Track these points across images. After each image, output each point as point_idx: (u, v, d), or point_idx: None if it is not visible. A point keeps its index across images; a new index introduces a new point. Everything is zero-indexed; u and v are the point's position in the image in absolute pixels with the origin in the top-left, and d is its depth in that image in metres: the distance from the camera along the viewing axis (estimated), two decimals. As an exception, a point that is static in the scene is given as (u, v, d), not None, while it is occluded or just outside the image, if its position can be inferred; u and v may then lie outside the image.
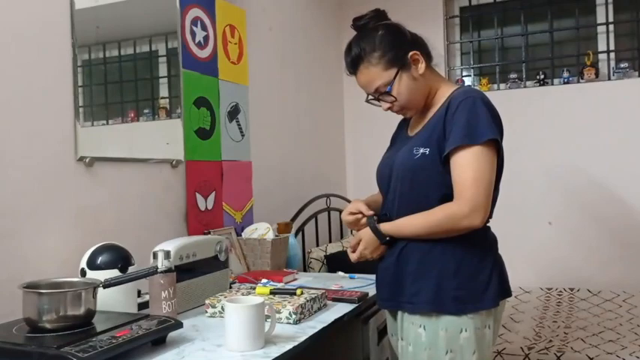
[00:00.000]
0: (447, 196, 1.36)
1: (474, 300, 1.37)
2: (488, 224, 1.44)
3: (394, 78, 1.42)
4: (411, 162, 1.41)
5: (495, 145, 1.36)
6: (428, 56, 1.49)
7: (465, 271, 1.37)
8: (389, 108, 1.49)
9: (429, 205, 1.38)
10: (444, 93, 1.46)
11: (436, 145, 1.38)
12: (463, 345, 1.36)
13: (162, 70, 2.13)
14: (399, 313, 1.47)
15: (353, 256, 1.51)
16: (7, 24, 1.52)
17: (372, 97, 1.50)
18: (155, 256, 1.51)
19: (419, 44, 1.48)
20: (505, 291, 1.44)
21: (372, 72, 1.44)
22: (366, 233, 1.46)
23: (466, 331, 1.35)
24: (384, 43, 1.42)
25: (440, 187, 1.38)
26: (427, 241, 1.39)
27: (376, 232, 1.44)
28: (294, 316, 1.50)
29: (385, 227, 1.44)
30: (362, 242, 1.47)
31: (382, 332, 1.94)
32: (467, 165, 1.32)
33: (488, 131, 1.33)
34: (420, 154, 1.39)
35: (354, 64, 1.46)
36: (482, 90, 3.48)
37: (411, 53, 1.43)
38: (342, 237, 3.35)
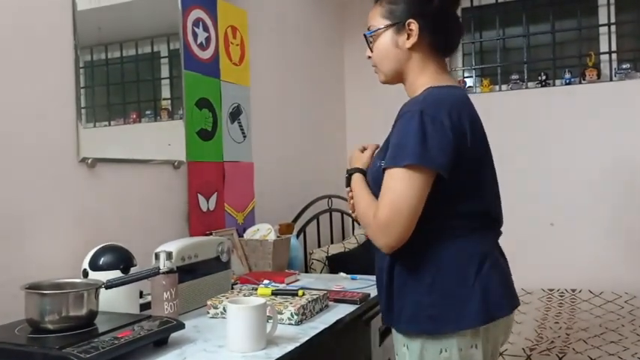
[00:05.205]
0: None
1: (452, 319, 1.24)
2: (474, 235, 1.30)
3: (380, 28, 1.36)
4: (374, 174, 1.35)
5: (427, 168, 1.21)
6: (435, 43, 1.35)
7: (440, 288, 1.26)
8: (369, 57, 1.43)
9: None
10: (417, 91, 1.35)
11: None
12: None
13: (164, 71, 2.14)
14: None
15: None
16: (9, 25, 1.52)
17: None
18: (157, 257, 1.51)
19: (435, 24, 1.34)
20: (494, 309, 1.26)
21: (375, 11, 1.39)
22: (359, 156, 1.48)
23: (446, 351, 1.25)
24: None
25: None
26: (411, 256, 1.30)
27: (350, 177, 1.45)
28: (295, 317, 1.50)
29: (355, 179, 1.42)
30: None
31: (384, 333, 1.94)
32: (387, 187, 1.24)
33: (412, 155, 1.20)
34: (379, 167, 1.31)
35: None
36: (484, 91, 3.51)
37: (410, 20, 1.32)
38: (343, 238, 3.35)
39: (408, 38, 1.34)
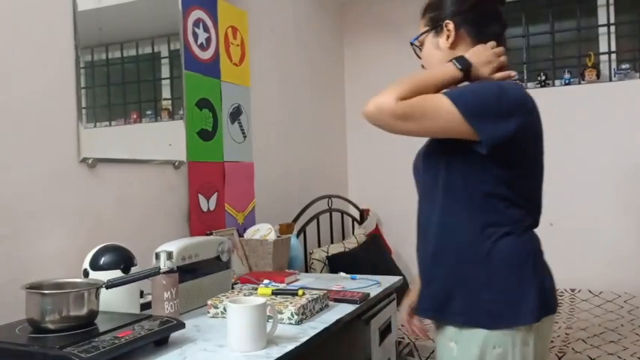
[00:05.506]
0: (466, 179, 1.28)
1: (509, 315, 1.25)
2: (528, 234, 1.33)
3: (421, 34, 1.42)
4: (425, 148, 1.38)
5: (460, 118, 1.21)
6: (477, 39, 1.35)
7: (499, 283, 1.26)
8: (422, 66, 1.45)
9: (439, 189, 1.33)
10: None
11: None
12: None
13: (165, 71, 2.14)
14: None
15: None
16: (10, 26, 1.53)
17: None
18: (157, 256, 1.51)
19: (473, 21, 1.36)
20: (546, 306, 1.29)
21: (420, 24, 1.44)
22: None
23: (500, 347, 1.24)
24: (438, 3, 1.40)
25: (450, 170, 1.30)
26: (469, 250, 1.29)
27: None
28: (295, 317, 1.50)
29: (447, 70, 1.31)
30: None
31: (384, 333, 1.95)
32: (431, 97, 1.24)
33: (466, 106, 1.21)
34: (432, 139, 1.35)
35: (422, 12, 1.45)
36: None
37: (446, 21, 1.36)
38: (343, 238, 3.36)
39: (447, 39, 1.37)
